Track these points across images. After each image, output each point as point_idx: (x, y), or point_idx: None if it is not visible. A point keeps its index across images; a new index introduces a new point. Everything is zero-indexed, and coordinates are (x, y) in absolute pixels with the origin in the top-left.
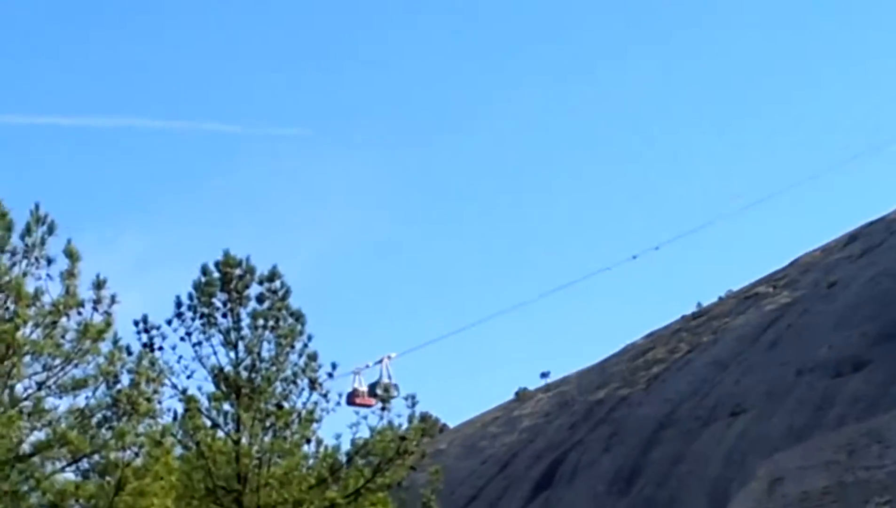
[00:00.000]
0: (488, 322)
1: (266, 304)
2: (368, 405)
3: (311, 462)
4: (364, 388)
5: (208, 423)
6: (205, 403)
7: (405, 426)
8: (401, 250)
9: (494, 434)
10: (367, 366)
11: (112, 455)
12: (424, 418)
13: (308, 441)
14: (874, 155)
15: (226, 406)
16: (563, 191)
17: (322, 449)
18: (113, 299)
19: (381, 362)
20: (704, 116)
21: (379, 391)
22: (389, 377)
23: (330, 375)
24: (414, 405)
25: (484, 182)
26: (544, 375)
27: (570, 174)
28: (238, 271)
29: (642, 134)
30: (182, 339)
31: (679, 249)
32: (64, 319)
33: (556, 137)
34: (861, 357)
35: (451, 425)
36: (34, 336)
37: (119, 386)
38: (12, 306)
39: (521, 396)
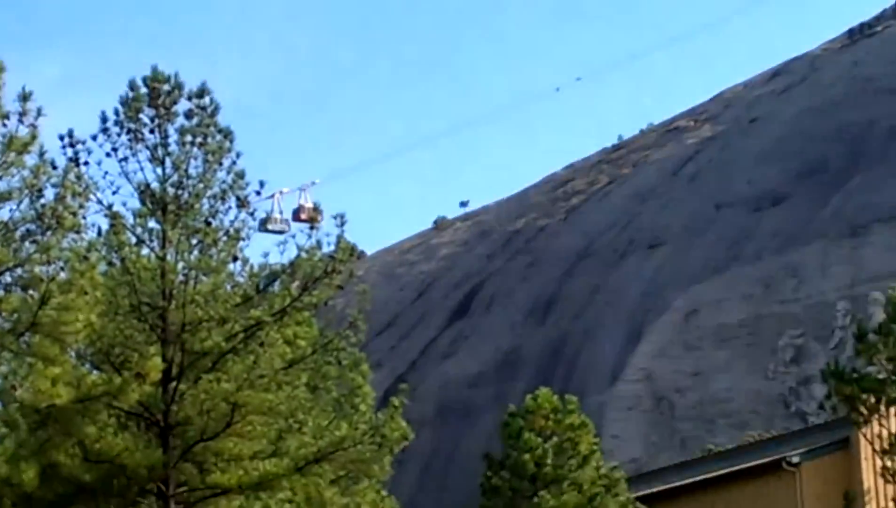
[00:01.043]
0: (408, 151)
1: (194, 120)
2: (317, 221)
3: (237, 280)
4: (310, 204)
5: (133, 239)
6: (130, 219)
7: (333, 246)
8: (324, 80)
9: (412, 262)
10: (283, 191)
11: (36, 270)
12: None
13: (235, 260)
14: None
15: (151, 223)
16: (490, 20)
17: (248, 268)
18: (39, 112)
19: (303, 188)
20: None
21: (306, 215)
22: (310, 203)
23: (258, 193)
24: (342, 224)
25: (414, 11)
26: (463, 204)
27: (498, 4)
28: (166, 87)
29: None
30: (108, 155)
31: (601, 81)
32: None
33: None
34: (780, 192)
35: (369, 252)
36: None
37: (44, 200)
38: None
39: (440, 224)
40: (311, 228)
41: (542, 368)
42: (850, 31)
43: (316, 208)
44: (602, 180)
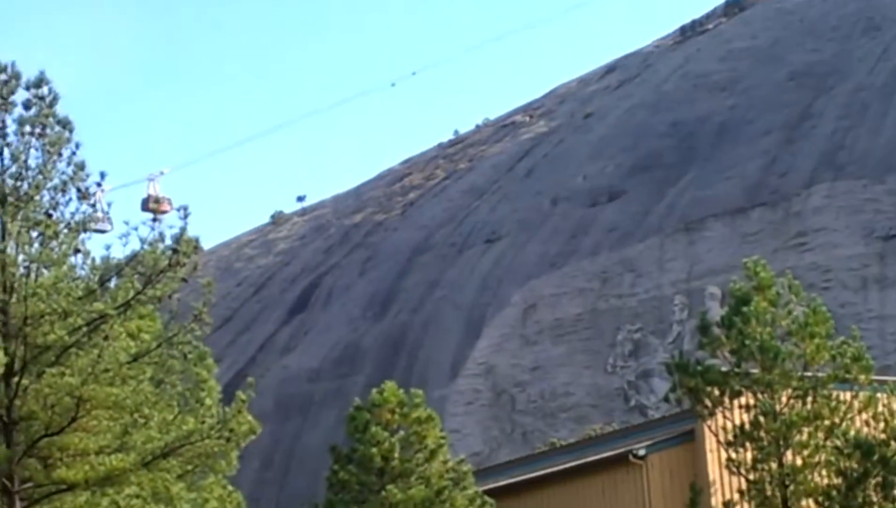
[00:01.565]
0: (245, 145)
1: (33, 110)
2: (165, 212)
3: (79, 273)
4: (157, 194)
5: None
6: None
7: (175, 239)
8: (166, 70)
9: (250, 257)
10: (104, 189)
11: None
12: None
13: (77, 252)
14: None
15: None
16: (325, 14)
17: (90, 261)
18: None
19: (151, 178)
20: None
21: (151, 205)
22: (158, 193)
23: (98, 185)
24: (186, 216)
25: (252, 4)
26: (300, 198)
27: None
28: (3, 77)
29: None
30: None
31: (437, 76)
32: None
33: None
34: (616, 187)
35: (206, 246)
36: None
37: None
38: None
39: (277, 219)
40: (154, 219)
41: (382, 362)
42: (683, 29)
43: (158, 200)
44: (439, 175)
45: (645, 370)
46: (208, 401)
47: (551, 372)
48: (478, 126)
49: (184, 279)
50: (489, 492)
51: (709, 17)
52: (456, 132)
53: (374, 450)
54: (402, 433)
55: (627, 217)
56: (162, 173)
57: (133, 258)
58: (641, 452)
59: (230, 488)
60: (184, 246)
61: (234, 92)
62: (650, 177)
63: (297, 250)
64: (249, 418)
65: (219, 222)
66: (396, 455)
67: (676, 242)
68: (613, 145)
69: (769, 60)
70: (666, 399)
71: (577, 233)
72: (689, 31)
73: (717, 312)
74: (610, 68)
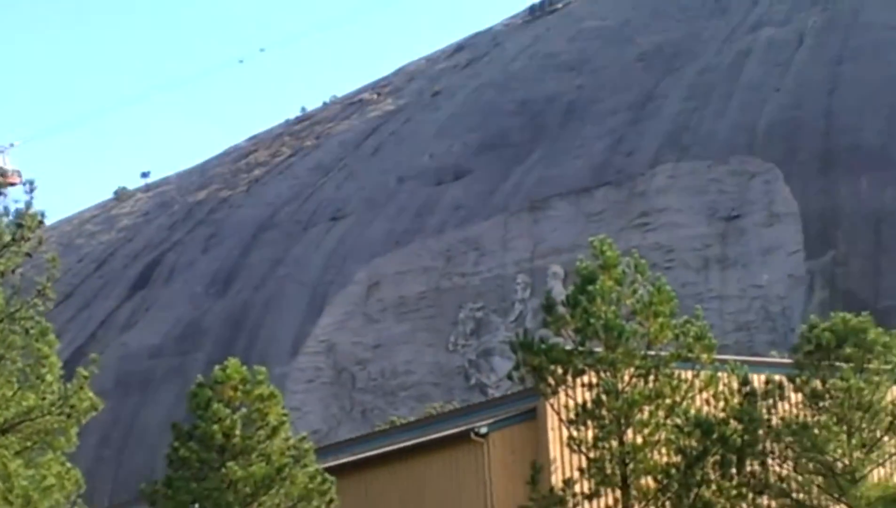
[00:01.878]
0: (92, 120)
1: None
2: (13, 184)
3: None
4: (6, 166)
5: None
6: None
7: (21, 212)
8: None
9: (92, 233)
10: None
11: None
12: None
13: None
14: None
15: None
16: None
17: None
18: None
19: (2, 151)
20: None
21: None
22: (8, 166)
23: None
24: (32, 190)
25: None
26: (145, 175)
27: None
28: None
29: None
30: None
31: (286, 53)
32: None
33: None
34: (462, 166)
35: (48, 222)
36: None
37: None
38: None
39: (121, 195)
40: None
41: (223, 339)
42: (532, 8)
43: (5, 173)
44: (285, 152)
45: (486, 348)
46: (49, 377)
47: (393, 350)
48: (325, 103)
49: (28, 254)
50: (330, 470)
51: None
52: (303, 109)
53: (216, 427)
54: (243, 410)
55: (473, 196)
56: (12, 146)
57: None
58: (483, 430)
59: (69, 465)
60: (28, 221)
61: (83, 65)
62: (497, 156)
63: (140, 227)
64: (91, 394)
65: (62, 197)
66: (238, 432)
67: (521, 221)
68: (461, 124)
69: (618, 41)
70: (509, 377)
71: (423, 211)
72: (539, 11)
73: (559, 291)
74: (459, 47)
